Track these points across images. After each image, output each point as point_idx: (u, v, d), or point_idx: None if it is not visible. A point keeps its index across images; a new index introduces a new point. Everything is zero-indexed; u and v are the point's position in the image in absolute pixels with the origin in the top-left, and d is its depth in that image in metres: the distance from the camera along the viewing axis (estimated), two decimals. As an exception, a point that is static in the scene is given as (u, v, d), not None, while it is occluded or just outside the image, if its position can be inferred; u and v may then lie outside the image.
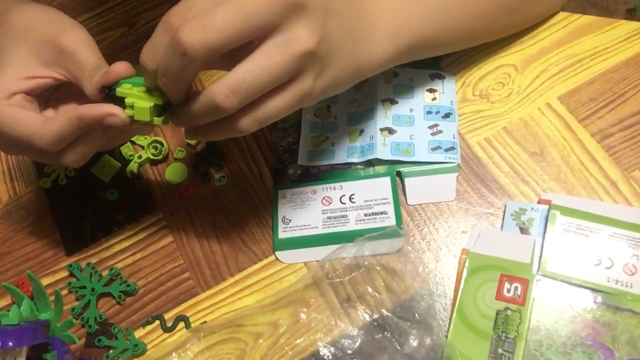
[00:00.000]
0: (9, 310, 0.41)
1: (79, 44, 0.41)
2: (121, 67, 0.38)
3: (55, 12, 0.44)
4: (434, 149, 0.49)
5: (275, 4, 0.34)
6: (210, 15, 0.33)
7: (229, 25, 0.33)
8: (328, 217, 0.49)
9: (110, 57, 0.61)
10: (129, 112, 0.38)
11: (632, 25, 0.53)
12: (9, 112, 0.40)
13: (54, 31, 0.41)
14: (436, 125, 0.50)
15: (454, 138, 0.50)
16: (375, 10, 0.42)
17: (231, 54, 0.35)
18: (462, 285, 0.44)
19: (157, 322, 0.48)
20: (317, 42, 0.35)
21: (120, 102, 0.38)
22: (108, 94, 0.38)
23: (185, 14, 0.34)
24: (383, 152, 0.49)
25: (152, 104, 0.37)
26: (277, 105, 0.37)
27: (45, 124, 0.39)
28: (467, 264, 0.44)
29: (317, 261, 0.47)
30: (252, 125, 0.37)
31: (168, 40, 0.34)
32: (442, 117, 0.51)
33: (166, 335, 0.47)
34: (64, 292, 0.50)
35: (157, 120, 0.38)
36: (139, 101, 0.38)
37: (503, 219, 0.47)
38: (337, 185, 0.50)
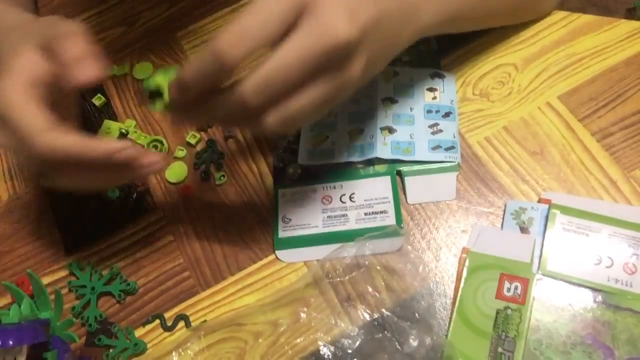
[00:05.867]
0: (9, 309, 0.41)
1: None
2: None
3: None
4: (434, 148, 0.49)
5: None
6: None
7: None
8: (328, 216, 0.49)
9: (110, 55, 0.62)
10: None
11: (632, 24, 0.53)
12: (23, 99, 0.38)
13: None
14: (436, 124, 0.50)
15: (454, 137, 0.50)
16: None
17: None
18: (462, 285, 0.44)
19: (157, 321, 0.48)
20: (357, 32, 0.32)
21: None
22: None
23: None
24: (383, 151, 0.49)
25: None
26: (305, 101, 0.34)
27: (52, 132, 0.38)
28: (467, 263, 0.44)
29: (317, 260, 0.47)
30: (277, 123, 0.35)
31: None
32: (442, 116, 0.51)
33: (166, 334, 0.47)
34: (64, 291, 0.50)
35: None
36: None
37: (503, 218, 0.47)
38: (337, 184, 0.50)
